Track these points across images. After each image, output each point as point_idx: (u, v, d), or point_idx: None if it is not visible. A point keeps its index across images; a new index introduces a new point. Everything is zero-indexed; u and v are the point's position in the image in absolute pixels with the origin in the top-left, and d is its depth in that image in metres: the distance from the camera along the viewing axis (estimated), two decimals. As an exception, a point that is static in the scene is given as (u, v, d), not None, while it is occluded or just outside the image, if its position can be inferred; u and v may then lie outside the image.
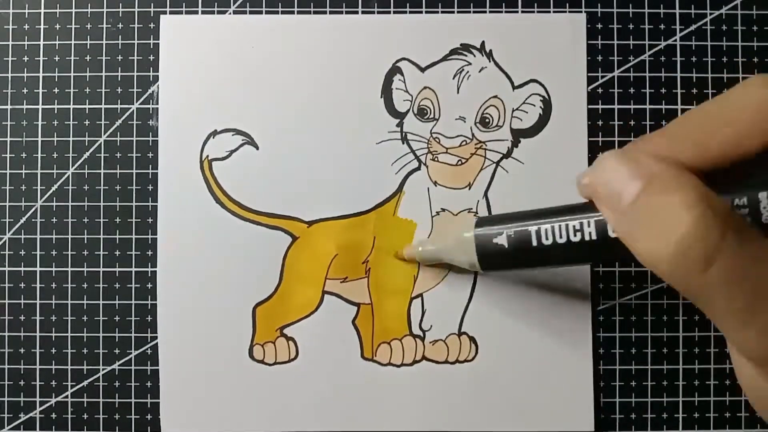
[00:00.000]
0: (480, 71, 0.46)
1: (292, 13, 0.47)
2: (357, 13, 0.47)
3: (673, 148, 0.31)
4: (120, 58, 0.47)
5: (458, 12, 0.46)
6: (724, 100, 0.32)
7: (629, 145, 0.33)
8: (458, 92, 0.46)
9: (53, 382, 0.46)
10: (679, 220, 0.28)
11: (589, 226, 0.34)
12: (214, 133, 0.46)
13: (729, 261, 0.28)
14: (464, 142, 0.46)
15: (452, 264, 0.43)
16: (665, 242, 0.28)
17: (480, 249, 0.39)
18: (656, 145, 0.32)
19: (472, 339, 0.46)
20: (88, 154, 0.46)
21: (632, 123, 0.46)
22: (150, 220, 0.46)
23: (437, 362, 0.46)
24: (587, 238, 0.35)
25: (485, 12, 0.46)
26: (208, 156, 0.46)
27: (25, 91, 0.47)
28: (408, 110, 0.46)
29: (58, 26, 0.47)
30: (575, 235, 0.35)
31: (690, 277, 0.28)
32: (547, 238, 0.36)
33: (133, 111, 0.46)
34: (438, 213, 0.46)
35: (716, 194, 0.29)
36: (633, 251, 0.31)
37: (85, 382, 0.46)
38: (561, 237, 0.36)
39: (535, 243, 0.37)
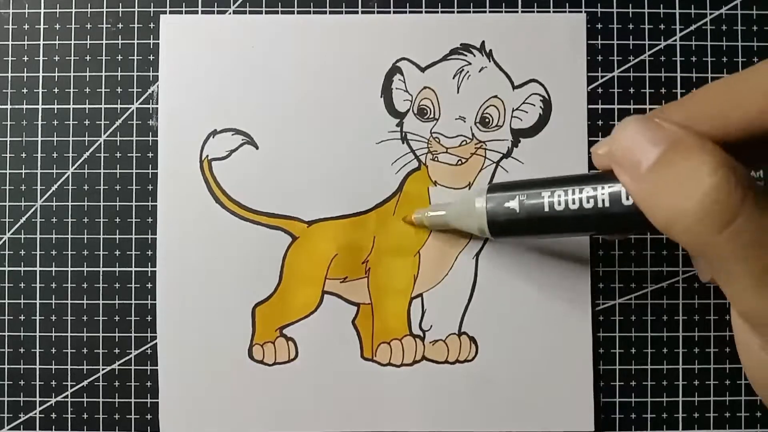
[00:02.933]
0: (480, 71, 0.46)
1: (292, 13, 0.47)
2: (357, 13, 0.47)
3: (691, 119, 0.31)
4: (120, 58, 0.47)
5: (458, 12, 0.46)
6: (744, 76, 0.32)
7: (648, 114, 0.33)
8: (458, 92, 0.46)
9: (53, 382, 0.46)
10: (701, 179, 0.28)
11: (603, 194, 0.34)
12: (214, 133, 0.46)
13: (747, 223, 0.28)
14: (464, 142, 0.46)
15: (461, 230, 0.43)
16: (685, 202, 0.28)
17: (491, 213, 0.39)
18: (674, 115, 0.32)
19: (472, 339, 0.46)
20: (88, 154, 0.46)
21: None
22: (150, 220, 0.46)
23: (437, 362, 0.46)
24: (600, 205, 0.34)
25: (485, 12, 0.46)
26: (207, 156, 0.46)
27: (25, 91, 0.47)
28: (408, 110, 0.46)
29: (58, 26, 0.47)
30: (588, 202, 0.35)
31: (707, 236, 0.28)
32: (559, 204, 0.36)
33: (133, 111, 0.46)
34: (438, 213, 0.46)
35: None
36: (649, 215, 0.31)
37: (85, 382, 0.46)
38: (574, 204, 0.35)
39: (547, 209, 0.36)
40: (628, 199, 0.33)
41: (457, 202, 0.43)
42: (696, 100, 0.32)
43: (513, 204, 0.38)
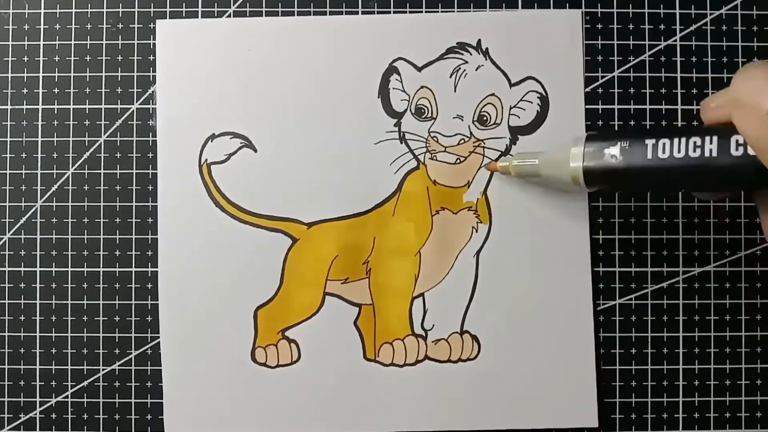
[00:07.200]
0: (477, 69, 0.46)
1: (293, 14, 0.47)
2: (357, 13, 0.47)
3: None
4: (120, 58, 0.47)
5: (458, 11, 0.46)
6: None
7: None
8: (455, 91, 0.46)
9: (53, 382, 0.46)
10: None
11: (711, 143, 0.34)
12: (213, 137, 0.46)
13: None
14: (462, 141, 0.46)
15: (549, 181, 0.43)
16: None
17: (588, 160, 0.38)
18: None
19: (474, 337, 0.46)
20: (88, 154, 0.47)
21: (632, 123, 0.46)
22: (150, 220, 0.46)
23: (440, 361, 0.46)
24: (707, 154, 0.34)
25: (484, 11, 0.46)
26: (207, 159, 0.46)
27: (25, 91, 0.47)
28: (405, 110, 0.46)
29: (58, 26, 0.47)
30: (694, 151, 0.34)
31: None
32: (663, 152, 0.35)
33: (133, 111, 0.47)
34: (438, 212, 0.46)
35: None
36: (764, 157, 0.31)
37: (85, 382, 0.46)
38: (679, 152, 0.35)
39: (650, 156, 0.36)
40: (737, 149, 0.33)
41: (551, 149, 0.42)
42: None
43: (614, 150, 0.37)
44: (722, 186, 0.38)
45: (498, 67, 0.46)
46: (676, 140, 0.35)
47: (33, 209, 0.47)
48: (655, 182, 0.37)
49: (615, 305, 0.46)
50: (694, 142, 0.34)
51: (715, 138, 0.34)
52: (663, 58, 0.47)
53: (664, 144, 0.35)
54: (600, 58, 0.47)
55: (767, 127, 0.31)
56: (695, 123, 0.46)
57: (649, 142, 0.36)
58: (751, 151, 0.32)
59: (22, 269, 0.47)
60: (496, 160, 0.46)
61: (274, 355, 0.46)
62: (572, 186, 0.40)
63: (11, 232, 0.47)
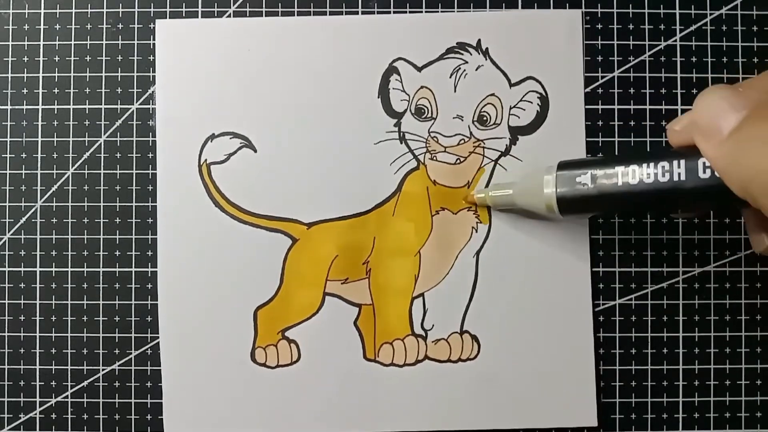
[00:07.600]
0: (477, 69, 0.46)
1: (293, 14, 0.47)
2: (357, 13, 0.47)
3: None
4: (120, 58, 0.47)
5: (458, 11, 0.46)
6: None
7: (729, 84, 0.34)
8: (455, 91, 0.46)
9: (53, 382, 0.46)
10: None
11: (679, 167, 0.34)
12: (212, 137, 0.46)
13: None
14: (462, 141, 0.46)
15: (527, 209, 0.43)
16: (763, 161, 0.29)
17: (561, 189, 0.39)
18: (755, 85, 0.33)
19: (474, 337, 0.46)
20: (88, 154, 0.47)
21: (632, 123, 0.46)
22: (150, 220, 0.46)
23: (440, 361, 0.46)
24: (675, 179, 0.34)
25: (484, 11, 0.46)
26: (206, 160, 0.46)
27: (25, 91, 0.47)
28: (405, 110, 0.46)
29: (58, 26, 0.47)
30: (663, 176, 0.35)
31: None
32: (633, 178, 0.36)
33: (133, 111, 0.47)
34: (438, 212, 0.46)
35: None
36: (728, 179, 0.31)
37: (85, 382, 0.46)
38: (648, 177, 0.35)
39: (620, 183, 0.36)
40: (704, 172, 0.34)
41: (524, 179, 0.43)
42: None
43: (584, 179, 0.38)
44: (694, 207, 0.39)
45: (498, 67, 0.46)
46: (644, 165, 0.36)
47: (33, 209, 0.46)
48: (628, 208, 0.39)
49: (615, 305, 0.46)
50: (663, 167, 0.35)
51: (682, 162, 0.35)
52: (663, 58, 0.47)
53: (633, 170, 0.36)
54: (600, 58, 0.47)
55: (727, 149, 0.31)
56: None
57: (619, 168, 0.37)
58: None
59: (22, 269, 0.46)
60: (470, 196, 0.46)
61: (274, 356, 0.46)
62: (548, 214, 0.41)
63: (11, 232, 0.46)
